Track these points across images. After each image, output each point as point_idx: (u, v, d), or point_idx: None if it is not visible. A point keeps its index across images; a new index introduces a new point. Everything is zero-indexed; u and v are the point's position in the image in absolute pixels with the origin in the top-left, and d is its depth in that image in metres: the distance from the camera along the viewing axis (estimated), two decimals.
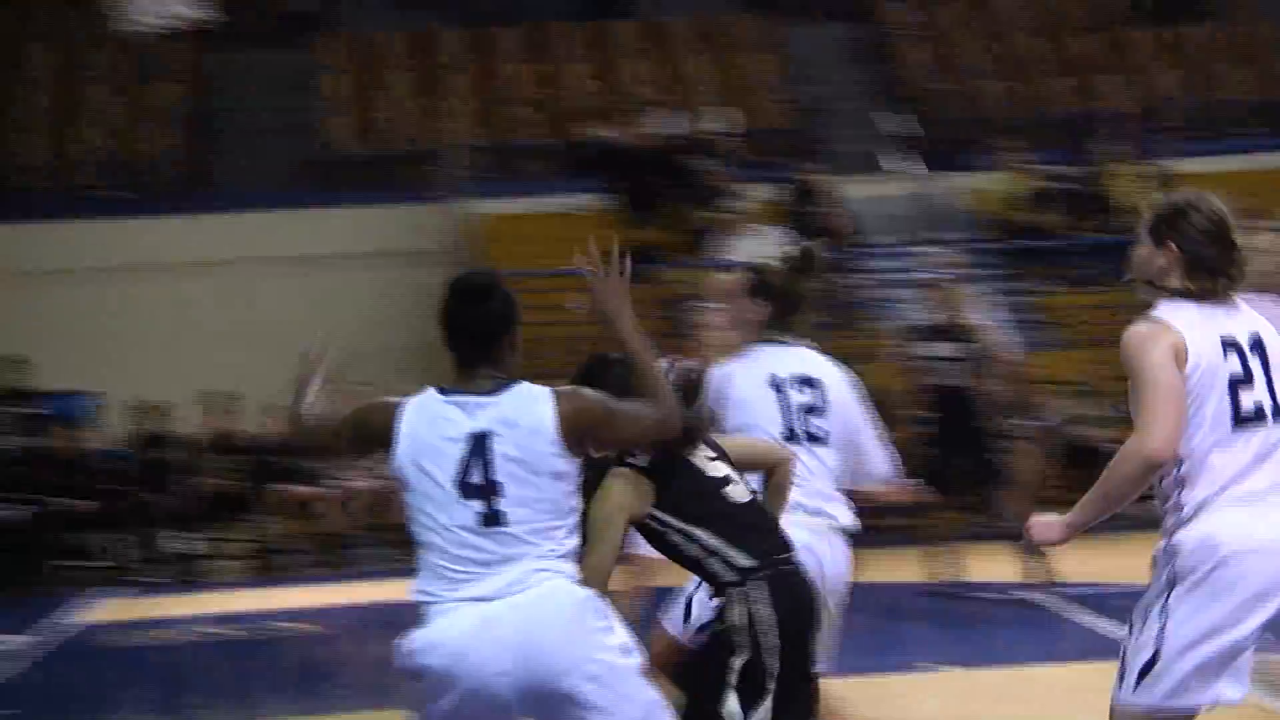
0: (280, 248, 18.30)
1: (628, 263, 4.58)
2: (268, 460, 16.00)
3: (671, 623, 5.74)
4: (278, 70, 20.63)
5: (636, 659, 4.52)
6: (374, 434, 4.56)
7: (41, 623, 13.06)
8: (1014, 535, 11.04)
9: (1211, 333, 4.53)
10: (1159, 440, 4.43)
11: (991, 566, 11.54)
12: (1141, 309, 4.65)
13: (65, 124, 19.90)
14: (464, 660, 4.39)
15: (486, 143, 19.44)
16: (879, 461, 6.21)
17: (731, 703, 4.92)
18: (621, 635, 4.51)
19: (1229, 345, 4.54)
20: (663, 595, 6.18)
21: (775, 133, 19.70)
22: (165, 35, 20.74)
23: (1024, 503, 10.62)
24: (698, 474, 5.10)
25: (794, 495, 5.54)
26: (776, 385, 5.96)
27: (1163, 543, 4.57)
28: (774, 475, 5.47)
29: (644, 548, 5.25)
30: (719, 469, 5.14)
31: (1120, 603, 5.74)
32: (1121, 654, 4.56)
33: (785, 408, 5.94)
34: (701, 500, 5.06)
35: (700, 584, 5.39)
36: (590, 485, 4.72)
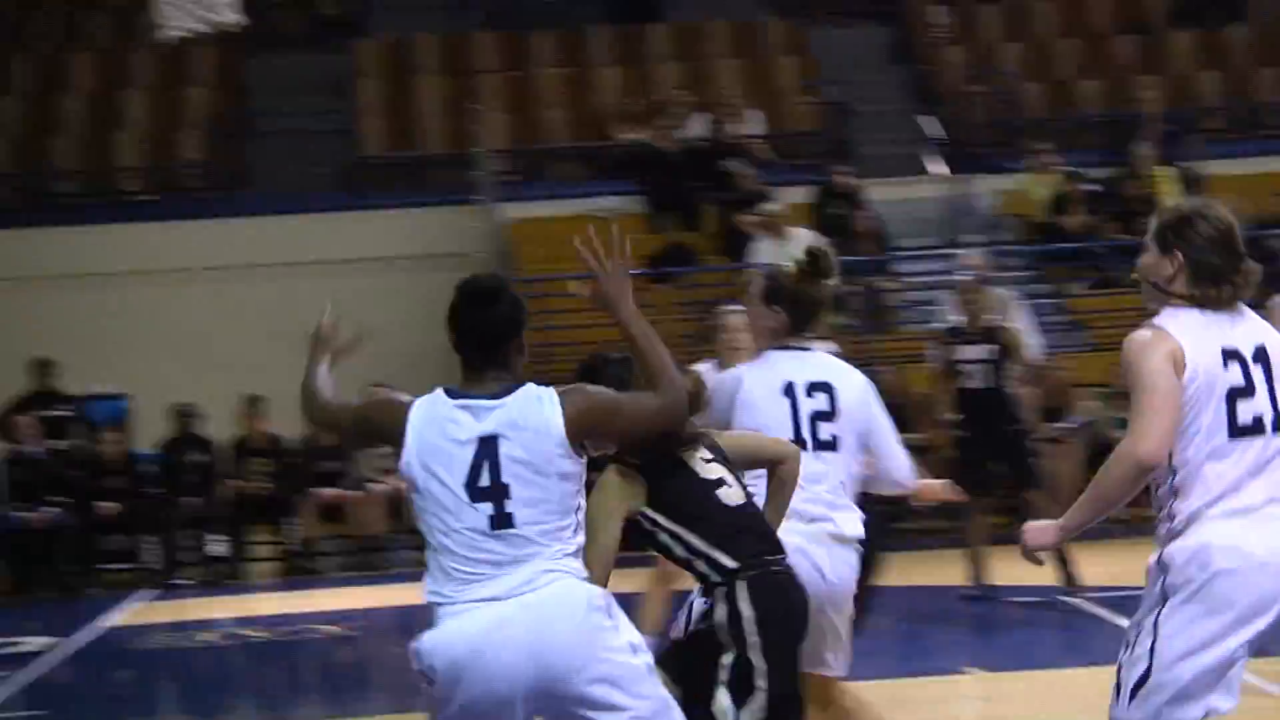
0: (315, 251, 18.33)
1: (628, 249, 4.58)
2: (298, 463, 16.04)
3: (675, 624, 5.76)
4: (313, 75, 20.69)
5: (646, 657, 4.54)
6: (382, 430, 4.58)
7: (71, 624, 13.10)
8: None
9: (1212, 342, 4.51)
10: (1151, 444, 4.43)
11: (1023, 570, 11.46)
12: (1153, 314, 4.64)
13: (103, 128, 19.99)
14: (476, 660, 4.40)
15: (519, 146, 19.46)
16: (897, 466, 6.16)
17: (723, 699, 4.96)
18: (630, 634, 4.52)
19: (1230, 355, 4.52)
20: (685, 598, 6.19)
21: (805, 135, 19.67)
22: (202, 40, 20.82)
23: (1056, 505, 10.55)
24: (692, 475, 5.13)
25: (795, 501, 5.54)
26: (789, 391, 5.92)
27: (1155, 556, 4.56)
28: (777, 471, 5.47)
29: None
30: (714, 471, 5.17)
31: None
32: (1117, 668, 4.56)
33: (795, 414, 5.91)
34: (693, 502, 5.10)
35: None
36: (589, 483, 4.71)
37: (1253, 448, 4.50)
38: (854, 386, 6.03)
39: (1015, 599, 11.36)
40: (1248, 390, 4.51)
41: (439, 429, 4.48)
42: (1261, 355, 4.56)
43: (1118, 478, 4.48)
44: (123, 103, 20.38)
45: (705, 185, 18.05)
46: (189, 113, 20.28)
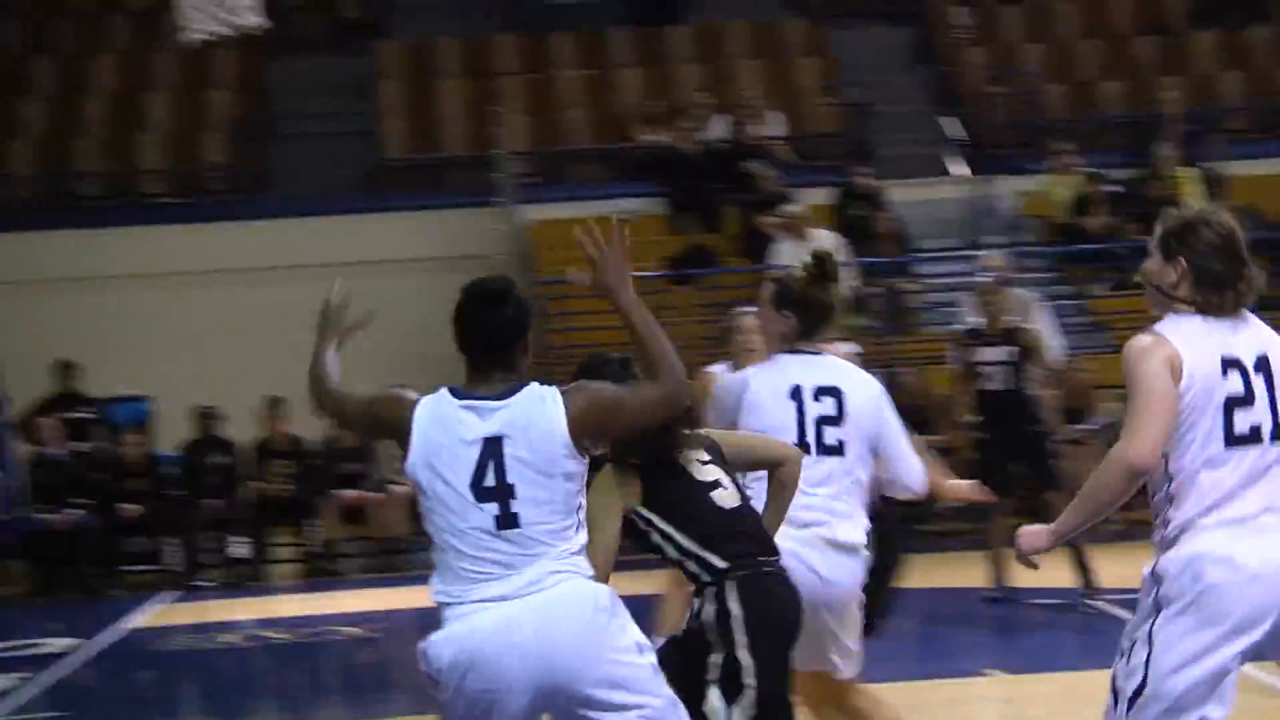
0: (337, 253, 18.34)
1: (626, 234, 4.59)
2: (319, 465, 16.07)
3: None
4: (335, 77, 20.74)
5: (651, 657, 4.57)
6: (387, 426, 4.62)
7: (93, 626, 13.14)
8: (1069, 541, 10.99)
9: (1212, 350, 4.51)
10: (1143, 448, 4.44)
11: (1046, 572, 11.44)
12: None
13: (125, 131, 20.05)
14: (483, 661, 4.42)
15: (540, 148, 19.47)
16: (907, 472, 6.14)
17: (714, 699, 4.99)
18: (636, 634, 4.55)
19: (1230, 364, 4.52)
20: None
21: (826, 136, 19.66)
22: (224, 43, 20.86)
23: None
24: (686, 477, 5.17)
25: (794, 504, 5.54)
26: (796, 395, 5.93)
27: (1150, 565, 4.57)
28: (777, 474, 5.48)
29: None
30: (709, 473, 5.20)
31: None
32: (1113, 679, 4.57)
33: (801, 418, 5.91)
34: (687, 503, 5.14)
35: None
36: (587, 482, 4.74)
37: (1249, 457, 4.50)
38: (863, 391, 6.02)
39: (1036, 601, 11.34)
40: (1247, 399, 4.51)
41: (444, 429, 4.50)
42: (1263, 364, 4.55)
43: (1109, 481, 4.50)
44: (145, 105, 20.45)
45: (726, 187, 18.05)
46: (211, 115, 20.34)
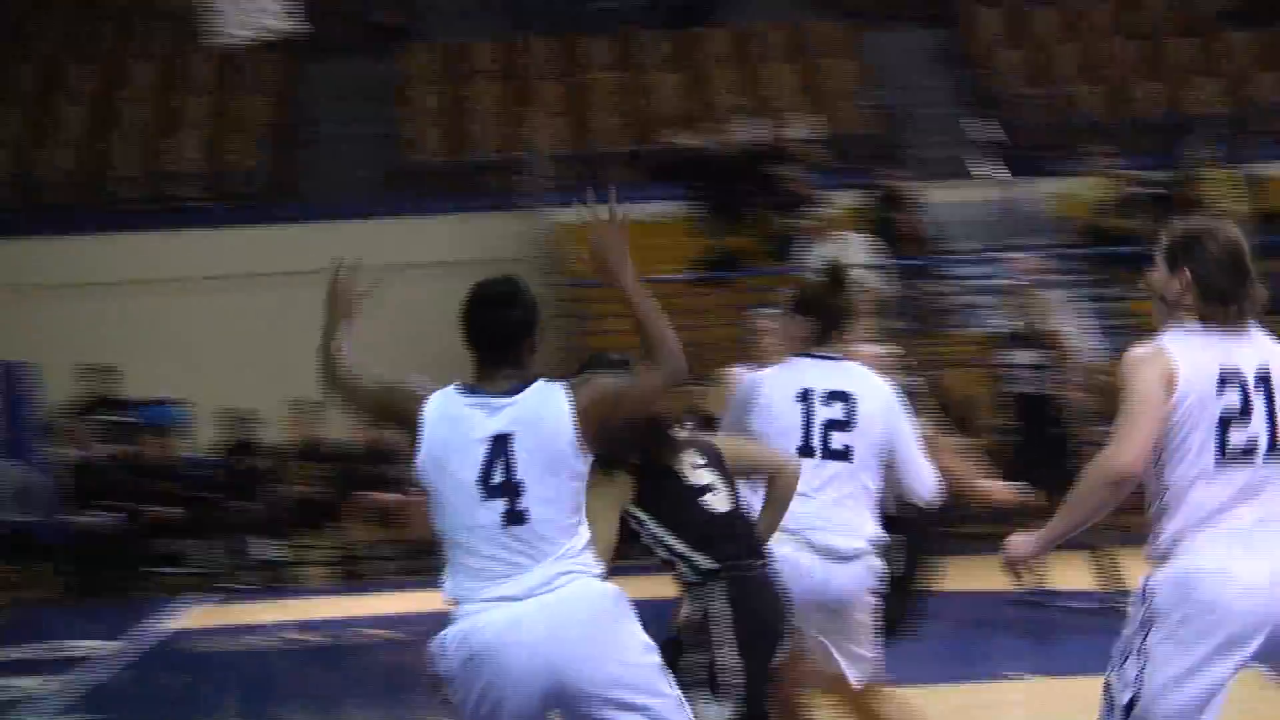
0: (368, 257, 18.33)
1: (627, 213, 4.62)
2: (353, 467, 16.10)
3: None
4: (366, 81, 20.79)
5: (657, 658, 4.60)
6: (397, 417, 4.65)
7: (130, 628, 13.19)
8: (1087, 544, 10.95)
9: (1211, 364, 4.51)
10: (1126, 457, 4.45)
11: (1077, 575, 11.42)
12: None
13: (159, 135, 20.14)
14: (493, 660, 4.46)
15: (572, 151, 19.49)
16: (919, 481, 6.13)
17: (698, 700, 5.01)
18: (643, 634, 4.59)
19: (1229, 378, 4.51)
20: None
21: (858, 139, 19.64)
22: (255, 47, 20.95)
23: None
24: (678, 480, 5.25)
25: (794, 509, 5.60)
26: (805, 398, 5.95)
27: (1143, 578, 4.57)
28: (774, 483, 5.55)
29: None
30: (702, 477, 5.29)
31: None
32: (1106, 686, 4.59)
33: (808, 421, 5.94)
34: (678, 506, 5.23)
35: None
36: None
37: (1242, 473, 4.49)
38: (876, 398, 6.02)
39: (1068, 604, 11.31)
40: (1244, 414, 4.50)
41: (451, 426, 4.54)
42: (1264, 379, 4.54)
43: (1092, 489, 4.52)
44: (179, 109, 20.53)
45: (757, 189, 18.03)
46: (244, 119, 20.42)
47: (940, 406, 7.12)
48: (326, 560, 16.30)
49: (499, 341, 4.60)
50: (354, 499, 15.98)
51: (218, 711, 10.76)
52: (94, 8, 21.92)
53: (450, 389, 4.60)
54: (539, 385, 4.56)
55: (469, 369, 4.70)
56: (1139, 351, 4.55)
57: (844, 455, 5.92)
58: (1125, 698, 4.51)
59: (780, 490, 5.53)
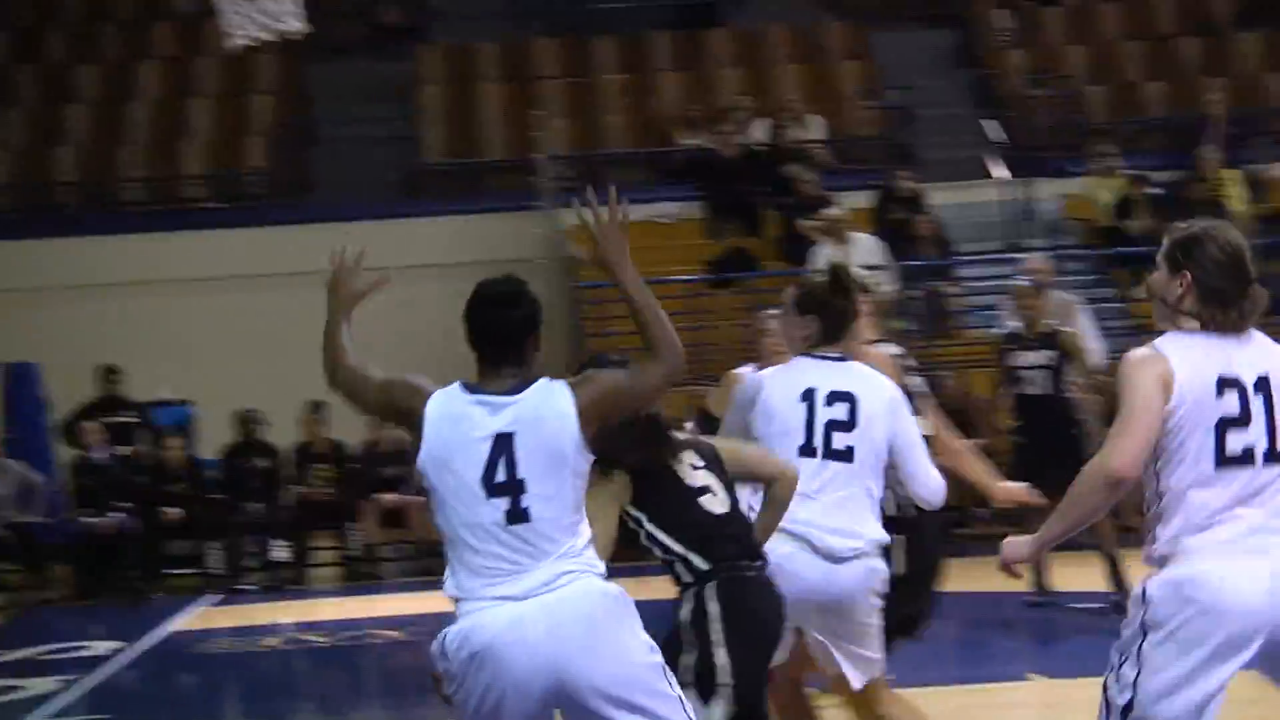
0: (377, 258, 18.31)
1: (626, 208, 4.62)
2: (360, 469, 16.11)
3: None
4: (375, 82, 20.80)
5: (659, 657, 4.62)
6: (400, 414, 4.65)
7: (136, 629, 13.20)
8: (1096, 546, 10.93)
9: (1210, 368, 4.49)
10: (1119, 460, 4.44)
11: (1087, 576, 11.40)
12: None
13: (168, 137, 20.16)
14: (495, 660, 4.46)
15: (580, 152, 19.48)
16: (921, 484, 6.12)
17: (690, 699, 4.98)
18: (644, 633, 4.60)
19: (1228, 383, 4.50)
20: None
21: (866, 140, 19.62)
22: (265, 48, 20.94)
23: (1122, 511, 10.47)
24: (676, 481, 5.29)
25: (794, 509, 5.62)
26: (807, 398, 5.94)
27: (1140, 584, 4.56)
28: (772, 489, 5.57)
29: None
30: (700, 478, 5.32)
31: None
32: (1104, 688, 4.59)
33: (810, 421, 5.93)
34: (675, 508, 5.26)
35: None
36: None
37: (1240, 478, 4.47)
38: (879, 399, 6.00)
39: (1078, 605, 11.29)
40: (1242, 419, 4.48)
41: (454, 424, 4.55)
42: (1264, 384, 4.52)
43: (1085, 492, 4.52)
44: (188, 111, 20.55)
45: (766, 190, 18.02)
46: (252, 120, 20.43)
47: (949, 408, 7.09)
48: (334, 561, 16.31)
49: (502, 340, 4.61)
50: (362, 500, 15.96)
51: (226, 712, 10.77)
52: (101, 11, 21.94)
53: (453, 388, 4.61)
54: (541, 384, 4.57)
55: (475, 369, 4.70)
56: (1136, 354, 4.55)
57: (846, 456, 5.91)
58: (1123, 699, 4.50)
59: (777, 496, 5.55)
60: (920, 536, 6.50)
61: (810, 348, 6.05)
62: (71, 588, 15.85)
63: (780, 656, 5.50)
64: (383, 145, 20.11)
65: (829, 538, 5.86)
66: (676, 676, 4.84)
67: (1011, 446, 11.53)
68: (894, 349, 6.94)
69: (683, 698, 4.62)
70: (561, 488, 4.51)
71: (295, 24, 20.90)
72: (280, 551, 16.06)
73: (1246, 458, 4.48)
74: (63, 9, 21.92)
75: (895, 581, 6.19)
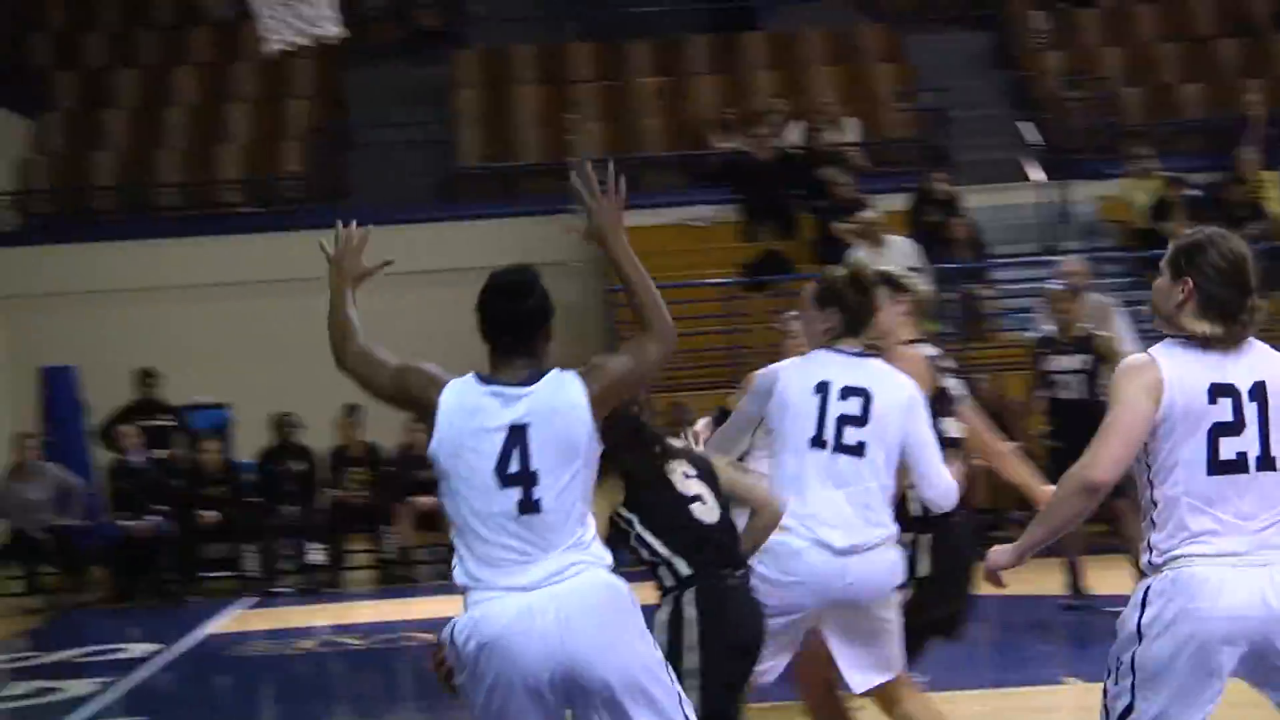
0: (414, 261, 18.38)
1: (623, 184, 4.65)
2: (395, 472, 16.14)
3: None
4: (411, 86, 20.85)
5: (660, 652, 4.66)
6: (414, 401, 4.67)
7: (173, 631, 13.25)
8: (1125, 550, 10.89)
9: (1201, 376, 4.50)
10: (1098, 468, 4.47)
11: (1123, 580, 11.35)
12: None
13: (205, 142, 20.24)
14: (503, 646, 4.49)
15: (615, 155, 19.48)
16: (931, 486, 6.09)
17: None
18: (646, 629, 4.64)
19: (1221, 391, 4.50)
20: None
21: (902, 142, 19.58)
22: (301, 53, 21.01)
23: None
24: (669, 487, 5.38)
25: (802, 504, 5.72)
26: (821, 390, 5.94)
27: (1136, 590, 4.56)
28: (755, 518, 5.63)
29: None
30: (692, 487, 5.40)
31: None
32: (1104, 692, 4.61)
33: (822, 414, 5.94)
34: (666, 511, 5.35)
35: None
36: None
37: (1233, 486, 4.48)
38: (894, 396, 6.00)
39: (1113, 609, 11.23)
40: (1235, 427, 4.48)
41: (468, 415, 4.57)
42: (1259, 392, 4.52)
43: (1064, 498, 4.56)
44: (225, 116, 20.64)
45: (802, 193, 18.01)
46: (289, 125, 20.50)
47: (985, 411, 7.06)
48: (370, 564, 16.35)
49: (514, 331, 4.64)
50: (398, 503, 15.99)
51: (262, 714, 10.81)
52: (139, 17, 22.05)
53: (467, 378, 4.63)
54: (554, 375, 4.60)
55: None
56: (1130, 361, 4.58)
57: (857, 451, 5.92)
58: (1121, 705, 4.52)
59: (758, 525, 5.62)
60: (946, 537, 6.48)
61: (830, 341, 6.05)
62: (109, 590, 15.93)
63: (774, 663, 5.57)
64: (419, 149, 20.17)
65: (840, 532, 5.86)
66: None
67: (1045, 451, 11.48)
68: (930, 349, 6.93)
69: (682, 694, 4.63)
70: (573, 478, 4.55)
71: (332, 28, 20.96)
72: (316, 554, 16.10)
73: (1240, 464, 4.48)
74: (101, 15, 22.04)
75: (922, 582, 6.18)
